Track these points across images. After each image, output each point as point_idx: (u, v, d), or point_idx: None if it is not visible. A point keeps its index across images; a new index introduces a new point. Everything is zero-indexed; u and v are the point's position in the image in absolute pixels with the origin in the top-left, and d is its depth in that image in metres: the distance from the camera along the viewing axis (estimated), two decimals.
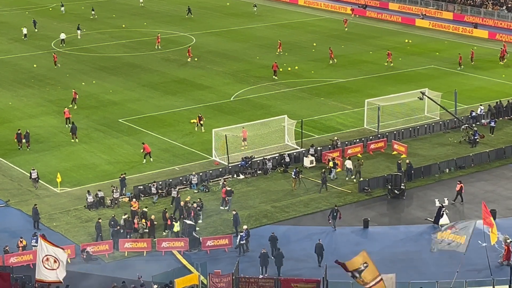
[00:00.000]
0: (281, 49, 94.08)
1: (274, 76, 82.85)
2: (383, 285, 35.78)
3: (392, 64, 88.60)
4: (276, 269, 45.56)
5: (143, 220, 49.97)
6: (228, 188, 54.44)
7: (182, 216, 50.76)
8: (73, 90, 75.58)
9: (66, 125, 67.96)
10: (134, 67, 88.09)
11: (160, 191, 55.27)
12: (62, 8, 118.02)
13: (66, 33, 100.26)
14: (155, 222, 49.83)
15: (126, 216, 50.12)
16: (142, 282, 42.11)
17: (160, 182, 55.82)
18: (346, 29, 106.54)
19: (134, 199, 53.07)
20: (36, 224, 50.73)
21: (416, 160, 60.98)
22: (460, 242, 41.37)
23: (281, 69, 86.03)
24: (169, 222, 49.87)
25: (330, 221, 50.60)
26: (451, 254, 47.15)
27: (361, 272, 35.92)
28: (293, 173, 57.22)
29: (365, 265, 36.07)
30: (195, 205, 51.82)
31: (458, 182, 54.79)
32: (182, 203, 51.79)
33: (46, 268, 39.24)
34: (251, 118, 68.07)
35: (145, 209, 51.58)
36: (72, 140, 65.59)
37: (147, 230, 49.43)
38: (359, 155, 61.78)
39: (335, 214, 50.63)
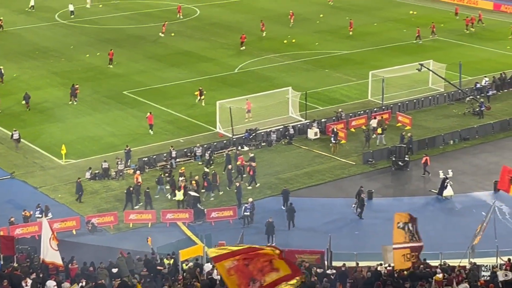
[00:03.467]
0: (293, 20, 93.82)
1: (241, 48, 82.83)
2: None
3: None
4: (287, 224, 47.07)
5: (193, 182, 50.59)
6: (251, 155, 54.86)
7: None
8: (110, 50, 77.87)
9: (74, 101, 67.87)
10: (138, 39, 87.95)
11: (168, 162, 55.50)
12: None
13: (67, 4, 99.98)
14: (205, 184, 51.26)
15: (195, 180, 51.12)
16: (152, 250, 42.22)
17: (167, 153, 55.97)
18: (331, 2, 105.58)
19: (138, 171, 53.25)
20: (79, 199, 50.79)
21: (420, 132, 61.04)
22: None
23: (285, 41, 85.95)
24: (205, 184, 51.11)
25: (354, 205, 49.61)
26: (455, 225, 47.38)
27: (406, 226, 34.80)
28: (332, 138, 57.73)
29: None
30: (254, 164, 52.92)
31: (424, 155, 54.76)
32: (230, 166, 53.09)
33: (52, 248, 38.08)
34: (255, 90, 68.01)
35: (206, 170, 52.72)
36: (70, 102, 66.62)
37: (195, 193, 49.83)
38: (379, 117, 61.97)
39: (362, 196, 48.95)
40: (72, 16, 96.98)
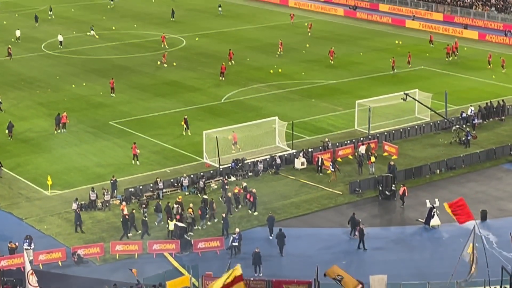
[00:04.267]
0: (282, 49, 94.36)
1: (221, 78, 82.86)
2: None
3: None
4: (279, 250, 47.36)
5: (190, 210, 50.84)
6: (244, 184, 55.09)
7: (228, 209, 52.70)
8: (111, 79, 78.58)
9: (60, 130, 67.71)
10: (124, 69, 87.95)
11: (151, 193, 55.34)
12: (50, 13, 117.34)
13: (54, 35, 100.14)
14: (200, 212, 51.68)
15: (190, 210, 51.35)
16: (138, 281, 41.97)
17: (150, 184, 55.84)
18: (310, 34, 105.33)
19: (124, 202, 53.00)
20: (77, 228, 50.53)
21: (407, 161, 61.14)
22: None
23: (271, 71, 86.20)
24: (199, 212, 51.27)
25: (355, 235, 49.89)
26: (442, 255, 47.33)
27: (340, 281, 36.29)
28: (330, 166, 58.05)
29: (339, 277, 36.36)
30: (254, 190, 53.42)
31: (402, 186, 54.73)
32: (230, 194, 53.47)
33: (30, 284, 37.52)
34: (242, 120, 67.97)
35: (205, 196, 53.16)
36: (55, 132, 66.95)
37: (190, 221, 50.46)
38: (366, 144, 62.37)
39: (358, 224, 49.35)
40: (61, 47, 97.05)
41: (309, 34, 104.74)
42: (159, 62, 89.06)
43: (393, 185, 55.44)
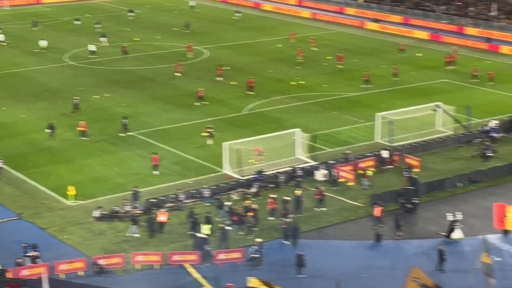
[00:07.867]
0: (301, 57, 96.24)
1: (248, 92, 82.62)
2: None
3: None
4: (291, 242, 49.65)
5: (250, 213, 52.14)
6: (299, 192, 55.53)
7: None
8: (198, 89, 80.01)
9: (81, 138, 68.42)
10: (147, 81, 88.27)
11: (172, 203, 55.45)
12: (77, 22, 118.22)
13: (78, 45, 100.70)
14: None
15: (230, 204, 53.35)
16: None
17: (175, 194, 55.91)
18: (315, 49, 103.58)
19: (162, 210, 53.30)
20: (152, 236, 51.10)
21: (429, 174, 60.86)
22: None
23: (293, 83, 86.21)
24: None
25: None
26: (468, 269, 46.99)
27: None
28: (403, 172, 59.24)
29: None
30: (322, 188, 55.69)
31: (376, 206, 54.15)
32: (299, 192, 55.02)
33: None
34: (263, 132, 67.99)
35: (297, 192, 55.02)
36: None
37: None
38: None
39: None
40: (94, 56, 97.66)
41: (313, 49, 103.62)
42: (176, 74, 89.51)
43: (415, 198, 55.20)
